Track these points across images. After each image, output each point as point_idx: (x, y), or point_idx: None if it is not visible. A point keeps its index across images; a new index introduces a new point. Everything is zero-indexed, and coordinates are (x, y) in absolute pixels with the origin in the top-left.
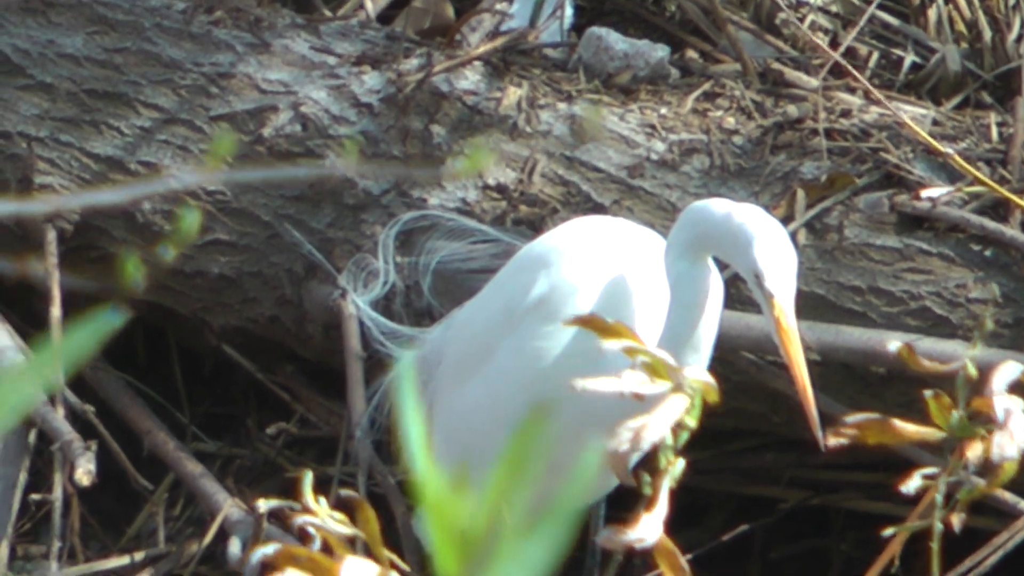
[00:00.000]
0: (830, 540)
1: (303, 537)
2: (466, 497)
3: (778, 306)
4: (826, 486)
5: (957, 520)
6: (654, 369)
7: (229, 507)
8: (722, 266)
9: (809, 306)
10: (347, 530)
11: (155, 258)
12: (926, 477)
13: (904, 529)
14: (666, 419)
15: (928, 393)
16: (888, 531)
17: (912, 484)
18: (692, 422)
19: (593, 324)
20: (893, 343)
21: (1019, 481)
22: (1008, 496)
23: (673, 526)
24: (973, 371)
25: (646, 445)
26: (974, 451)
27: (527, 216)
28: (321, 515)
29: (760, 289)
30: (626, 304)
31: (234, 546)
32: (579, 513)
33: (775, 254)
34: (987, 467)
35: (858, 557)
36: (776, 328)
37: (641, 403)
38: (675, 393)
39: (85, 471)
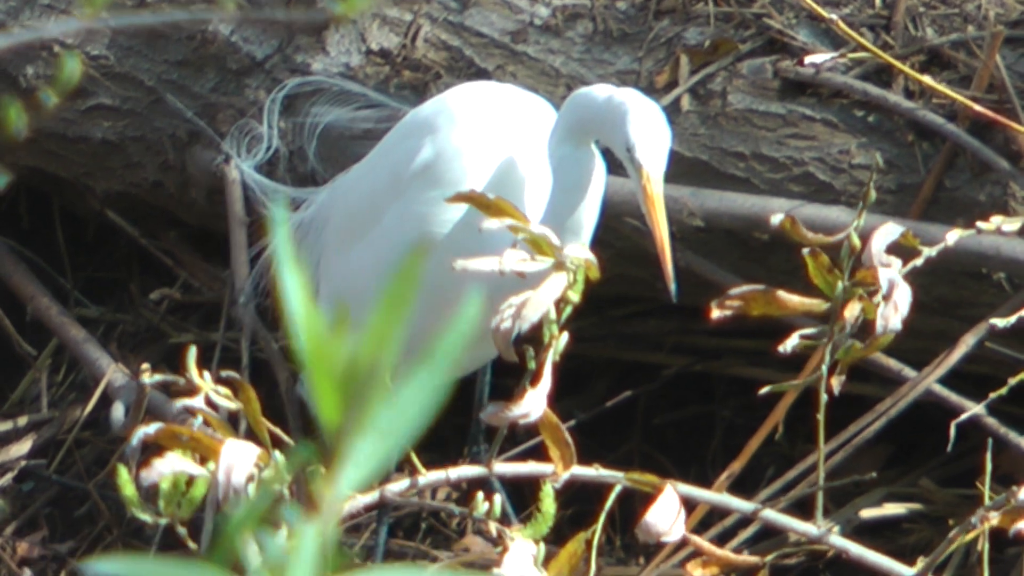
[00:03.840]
0: (713, 407)
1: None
2: (346, 338)
3: (646, 174)
4: (709, 352)
5: (837, 382)
6: (536, 246)
7: (112, 372)
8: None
9: (693, 172)
10: (231, 404)
11: (38, 119)
12: (804, 337)
13: (779, 388)
14: (547, 296)
15: (806, 251)
16: (764, 390)
17: (790, 343)
18: (575, 297)
19: (476, 200)
20: (776, 216)
21: (903, 348)
22: (892, 363)
23: (556, 393)
24: (856, 240)
25: (528, 322)
26: (851, 311)
27: (411, 81)
28: (205, 389)
29: (631, 162)
30: (514, 182)
31: (117, 411)
32: (460, 371)
33: (647, 128)
34: (867, 332)
35: (741, 424)
36: (643, 196)
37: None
38: (556, 271)
39: None
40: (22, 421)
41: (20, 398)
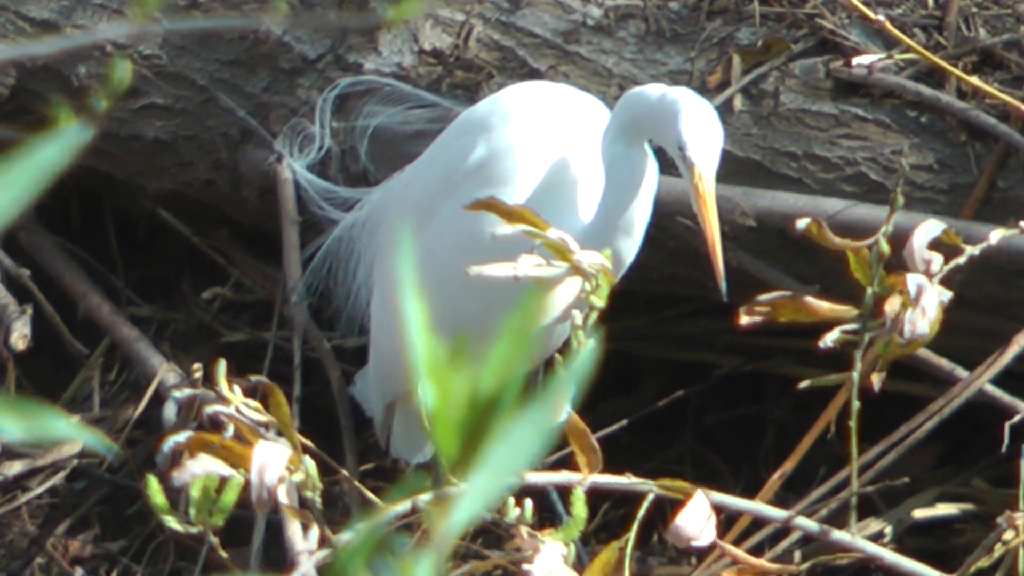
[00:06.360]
0: (765, 406)
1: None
2: (465, 370)
3: (697, 173)
4: (760, 352)
5: (878, 379)
6: (556, 251)
7: (164, 371)
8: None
9: (744, 172)
10: (261, 417)
11: (89, 119)
12: (846, 332)
13: (819, 382)
14: (561, 301)
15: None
16: (804, 384)
17: (830, 338)
18: (599, 302)
19: (495, 208)
20: (802, 220)
21: (954, 346)
22: (943, 362)
23: (607, 393)
24: (885, 246)
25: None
26: (891, 305)
27: (463, 81)
28: (235, 402)
29: (683, 161)
30: (567, 181)
31: (169, 411)
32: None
33: (699, 126)
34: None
35: (793, 423)
36: (694, 194)
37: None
38: (572, 276)
39: (20, 335)
40: (74, 420)
41: (72, 397)
